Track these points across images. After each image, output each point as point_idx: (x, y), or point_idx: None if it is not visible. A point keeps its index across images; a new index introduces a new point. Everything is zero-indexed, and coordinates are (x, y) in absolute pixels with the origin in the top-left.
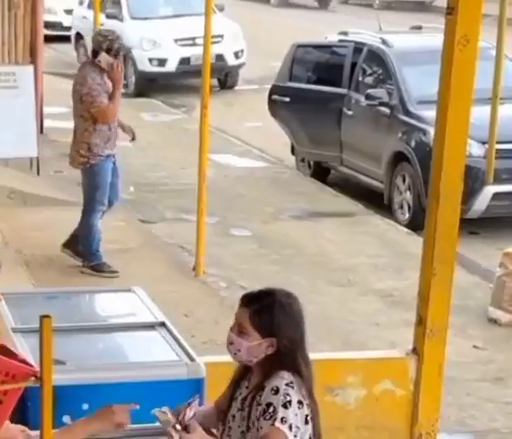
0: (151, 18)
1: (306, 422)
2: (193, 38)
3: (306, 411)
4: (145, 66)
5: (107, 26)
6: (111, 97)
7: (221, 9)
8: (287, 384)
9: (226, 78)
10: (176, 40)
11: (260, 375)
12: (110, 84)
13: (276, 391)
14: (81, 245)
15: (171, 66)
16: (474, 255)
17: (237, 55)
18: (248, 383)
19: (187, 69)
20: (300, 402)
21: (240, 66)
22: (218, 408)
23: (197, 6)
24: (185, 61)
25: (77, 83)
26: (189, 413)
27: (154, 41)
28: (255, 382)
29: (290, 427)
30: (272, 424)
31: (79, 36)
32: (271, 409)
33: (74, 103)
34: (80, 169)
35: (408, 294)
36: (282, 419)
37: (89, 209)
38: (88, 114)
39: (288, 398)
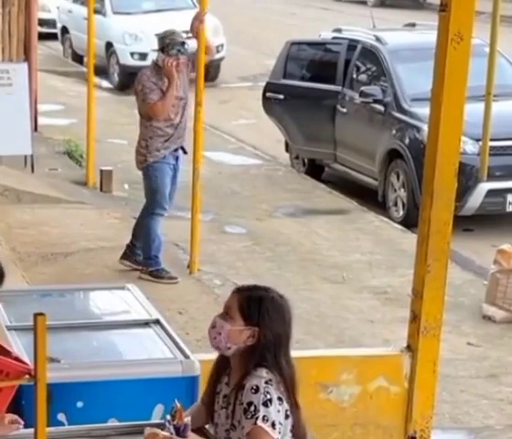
0: (133, 13)
1: (287, 417)
2: None
3: (286, 406)
4: (127, 60)
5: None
6: (164, 93)
7: None
8: (266, 382)
9: (207, 71)
10: (157, 35)
11: (239, 371)
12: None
13: (256, 390)
14: (140, 250)
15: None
16: (468, 252)
17: (217, 49)
18: (228, 379)
19: None
20: (280, 399)
21: (220, 60)
22: (204, 404)
23: (180, 1)
24: None
25: (135, 82)
26: (182, 417)
27: (136, 36)
28: (235, 380)
29: (273, 425)
30: (255, 424)
31: (64, 29)
32: (252, 408)
33: (137, 103)
34: (141, 170)
35: (402, 291)
36: (263, 417)
37: (147, 212)
38: (144, 111)
39: (268, 396)
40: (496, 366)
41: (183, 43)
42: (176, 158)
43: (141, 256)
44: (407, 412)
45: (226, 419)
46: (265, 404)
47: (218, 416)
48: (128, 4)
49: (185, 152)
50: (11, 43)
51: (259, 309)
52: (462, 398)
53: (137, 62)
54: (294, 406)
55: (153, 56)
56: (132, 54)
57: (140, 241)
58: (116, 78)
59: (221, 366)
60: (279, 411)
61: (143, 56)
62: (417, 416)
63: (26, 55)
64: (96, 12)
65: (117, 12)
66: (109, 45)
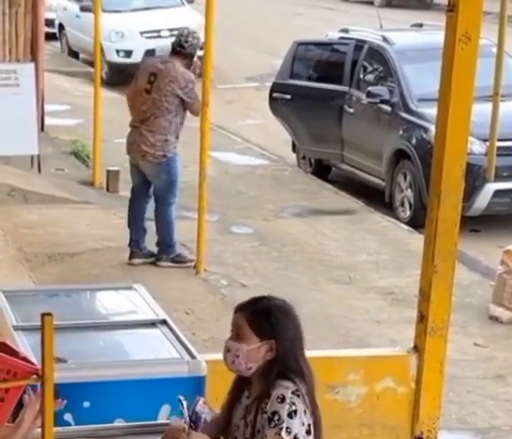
0: (121, 11)
1: (308, 433)
2: (158, 31)
3: (310, 420)
4: (113, 57)
5: (82, 18)
6: None
7: (190, 1)
8: (293, 392)
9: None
10: (141, 33)
11: (261, 383)
12: None
13: (282, 400)
14: (161, 240)
15: (137, 57)
16: (475, 253)
17: (201, 47)
18: (248, 393)
19: None
20: (305, 412)
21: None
22: (221, 417)
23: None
24: (150, 53)
25: (173, 77)
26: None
27: (122, 33)
28: (258, 390)
29: (295, 438)
30: (278, 434)
31: (61, 26)
32: (276, 417)
33: (158, 96)
34: (157, 165)
35: (409, 291)
36: (287, 429)
37: (164, 204)
38: (173, 107)
39: (294, 407)
40: (502, 366)
41: None
42: None
43: (146, 249)
44: (414, 412)
45: (245, 427)
46: (290, 415)
47: (237, 429)
48: (118, 1)
49: None
50: (18, 43)
51: (270, 320)
52: (468, 398)
53: (123, 59)
54: (315, 411)
55: (138, 53)
56: (117, 51)
57: (138, 235)
58: (105, 74)
59: (240, 384)
60: (303, 423)
61: (128, 53)
62: (424, 417)
63: (33, 55)
64: (87, 10)
65: (106, 10)
66: None
